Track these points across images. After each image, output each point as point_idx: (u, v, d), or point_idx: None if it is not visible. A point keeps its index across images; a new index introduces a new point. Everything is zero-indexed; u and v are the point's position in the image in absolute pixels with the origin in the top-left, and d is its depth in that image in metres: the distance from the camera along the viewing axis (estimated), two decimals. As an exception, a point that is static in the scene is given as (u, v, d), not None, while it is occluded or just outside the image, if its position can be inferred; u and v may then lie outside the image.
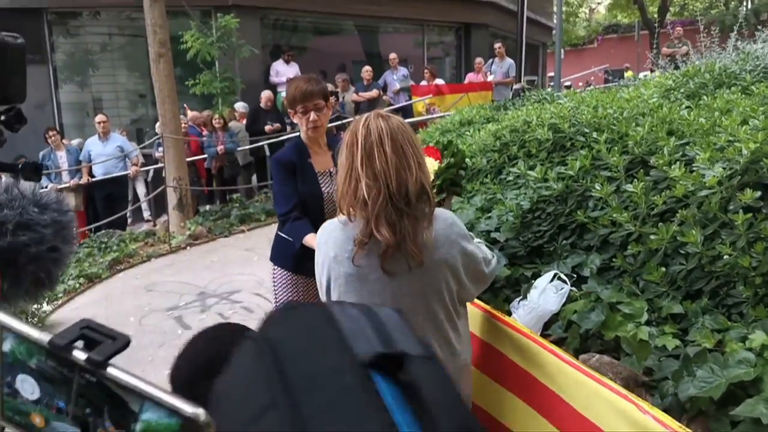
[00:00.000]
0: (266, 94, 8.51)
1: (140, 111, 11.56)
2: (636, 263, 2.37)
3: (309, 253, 2.69)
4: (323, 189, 2.70)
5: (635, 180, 2.53)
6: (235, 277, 5.26)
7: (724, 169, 2.18)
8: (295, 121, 2.73)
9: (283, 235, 2.78)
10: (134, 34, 10.74)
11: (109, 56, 11.40)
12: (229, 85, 7.34)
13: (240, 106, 8.84)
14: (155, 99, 6.63)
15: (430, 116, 9.39)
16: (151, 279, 5.39)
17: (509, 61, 10.67)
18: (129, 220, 9.11)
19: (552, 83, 12.35)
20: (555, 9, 19.41)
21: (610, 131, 2.99)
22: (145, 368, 3.67)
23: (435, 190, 2.08)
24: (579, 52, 31.90)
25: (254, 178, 9.24)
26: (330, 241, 1.56)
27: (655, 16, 22.64)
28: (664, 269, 2.17)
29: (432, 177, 2.09)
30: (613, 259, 2.43)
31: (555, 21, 18.86)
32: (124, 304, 4.81)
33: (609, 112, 3.26)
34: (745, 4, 27.06)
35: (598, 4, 33.20)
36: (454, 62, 14.82)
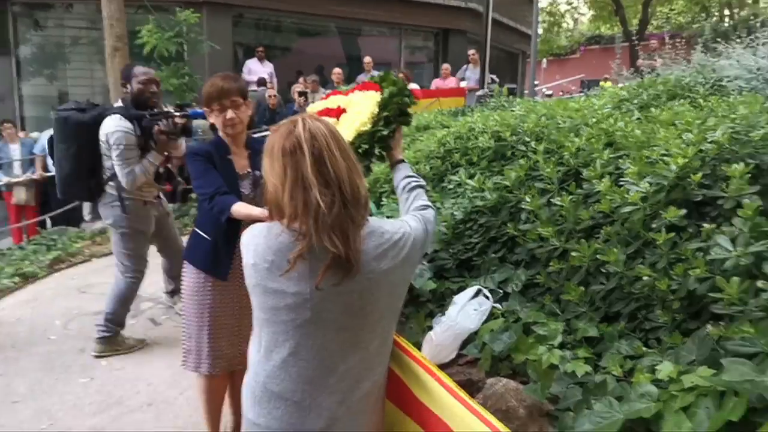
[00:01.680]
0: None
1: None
2: (559, 281, 2.23)
3: (225, 246, 2.52)
4: (243, 191, 2.52)
5: (565, 193, 2.40)
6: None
7: (650, 184, 2.05)
8: (211, 120, 2.56)
9: (197, 230, 2.61)
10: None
11: (77, 49, 11.11)
12: (188, 82, 7.12)
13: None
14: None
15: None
16: (87, 280, 5.14)
17: (478, 71, 10.60)
18: (88, 218, 8.82)
19: (531, 90, 12.30)
20: (539, 18, 19.47)
21: (549, 141, 2.86)
22: (60, 376, 3.45)
23: (382, 123, 1.90)
24: (562, 61, 32.10)
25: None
26: (251, 247, 1.40)
27: (637, 29, 22.83)
28: (583, 288, 2.03)
29: (375, 110, 1.92)
30: (538, 276, 2.29)
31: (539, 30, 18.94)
32: (53, 305, 4.56)
33: (551, 122, 3.13)
34: (726, 18, 27.44)
35: (581, 15, 33.46)
36: (431, 67, 14.72)
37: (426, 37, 14.82)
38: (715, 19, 27.70)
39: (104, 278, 5.14)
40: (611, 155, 2.46)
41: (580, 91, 18.59)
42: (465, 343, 2.26)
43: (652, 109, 3.49)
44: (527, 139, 3.06)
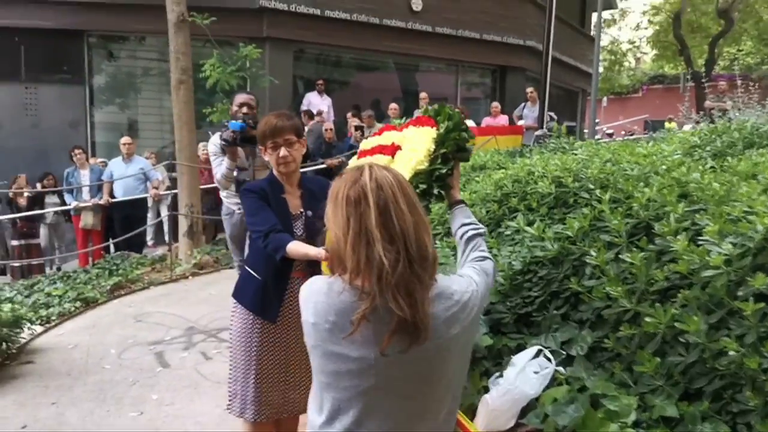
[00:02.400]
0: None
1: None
2: (630, 347, 2.05)
3: (276, 287, 2.47)
4: (296, 232, 2.49)
5: (635, 248, 2.24)
6: (229, 313, 5.04)
7: (734, 245, 1.87)
8: (266, 158, 2.55)
9: (248, 268, 2.58)
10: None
11: (148, 80, 11.63)
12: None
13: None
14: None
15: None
16: (143, 308, 5.24)
17: (532, 107, 10.45)
18: (150, 243, 9.10)
19: (586, 130, 12.02)
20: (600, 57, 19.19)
21: (615, 190, 2.70)
22: (111, 408, 3.47)
23: (440, 161, 1.80)
24: (623, 100, 31.44)
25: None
26: (311, 304, 1.30)
27: (703, 69, 22.09)
28: (659, 360, 1.86)
29: (432, 147, 1.82)
30: (606, 340, 2.12)
31: (599, 69, 18.63)
32: (110, 333, 4.65)
33: (616, 168, 2.97)
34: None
35: (644, 54, 32.75)
36: (488, 104, 14.65)
37: (483, 73, 14.80)
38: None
39: (159, 307, 5.25)
40: (686, 209, 2.28)
41: (645, 132, 18.09)
42: (524, 410, 2.11)
43: (729, 159, 3.27)
44: (591, 186, 2.90)
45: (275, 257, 2.29)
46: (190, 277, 6.24)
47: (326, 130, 9.06)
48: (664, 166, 3.02)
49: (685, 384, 1.83)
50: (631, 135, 14.74)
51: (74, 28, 10.38)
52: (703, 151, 3.57)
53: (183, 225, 6.80)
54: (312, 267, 2.57)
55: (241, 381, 2.53)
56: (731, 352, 1.68)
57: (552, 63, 15.76)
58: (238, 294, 2.58)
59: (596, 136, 11.15)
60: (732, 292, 1.82)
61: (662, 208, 2.39)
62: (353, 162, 2.36)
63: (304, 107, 10.36)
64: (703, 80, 9.77)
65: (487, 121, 10.80)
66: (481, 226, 1.69)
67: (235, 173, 4.19)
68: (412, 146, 1.89)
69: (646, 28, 26.70)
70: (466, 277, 1.40)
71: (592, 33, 19.10)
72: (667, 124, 18.72)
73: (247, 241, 4.28)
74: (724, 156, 3.42)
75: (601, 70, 21.38)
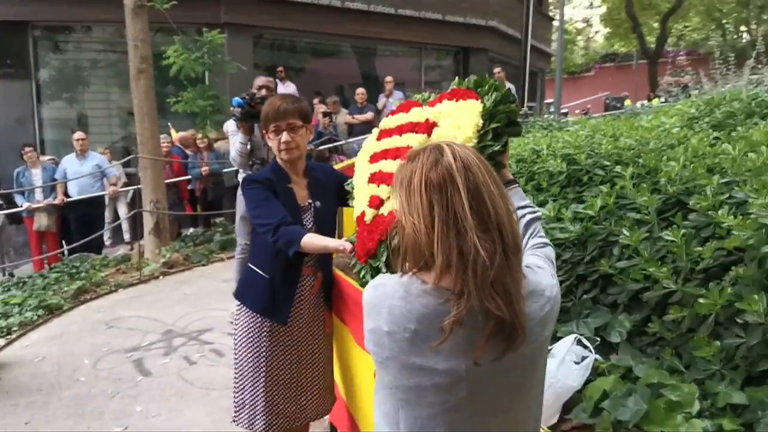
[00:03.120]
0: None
1: (130, 129, 11.16)
2: (677, 330, 1.92)
3: (285, 286, 2.25)
4: (306, 225, 2.26)
5: (672, 226, 2.10)
6: (209, 313, 4.77)
7: (791, 217, 1.76)
8: (269, 143, 2.31)
9: (253, 266, 2.33)
10: (125, 50, 10.45)
11: (98, 72, 11.02)
12: (215, 103, 6.93)
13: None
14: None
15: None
16: (114, 313, 4.88)
17: (509, 86, 10.37)
18: (108, 243, 8.62)
19: (552, 110, 12.04)
20: (554, 36, 19.33)
21: (635, 165, 2.57)
22: (92, 424, 3.17)
23: (491, 137, 1.58)
24: (576, 80, 31.90)
25: (241, 201, 8.79)
26: (385, 310, 1.10)
27: (653, 45, 22.58)
28: (718, 343, 1.73)
29: (479, 122, 1.60)
30: (649, 324, 1.99)
31: (554, 47, 18.75)
32: (80, 342, 4.29)
33: (630, 142, 2.84)
34: (744, 35, 27.17)
35: (597, 32, 33.31)
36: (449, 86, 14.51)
37: (446, 55, 14.66)
38: (729, 35, 27.46)
39: (132, 311, 4.91)
40: (721, 181, 2.16)
41: (606, 108, 18.32)
42: (566, 404, 1.96)
43: (733, 130, 3.20)
44: (606, 162, 2.77)
45: (287, 252, 2.06)
46: (161, 277, 5.89)
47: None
48: (673, 139, 2.91)
49: (746, 368, 1.71)
50: (585, 113, 14.87)
51: (18, 19, 9.71)
52: (702, 122, 3.49)
53: (149, 222, 6.42)
54: (323, 263, 2.36)
55: (249, 390, 2.30)
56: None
57: (511, 42, 15.77)
58: (243, 295, 2.34)
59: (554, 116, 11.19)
60: (792, 267, 1.71)
61: (692, 181, 2.28)
62: (370, 143, 2.14)
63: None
64: (671, 55, 9.92)
65: (453, 103, 10.66)
66: (537, 208, 1.51)
67: (248, 147, 4.20)
68: (454, 122, 1.68)
69: (599, 6, 27.12)
70: (548, 272, 1.22)
71: (550, 12, 19.23)
72: (626, 101, 19.08)
73: (239, 241, 4.14)
74: (725, 127, 3.35)
75: (554, 47, 21.58)
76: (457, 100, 1.74)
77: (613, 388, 1.80)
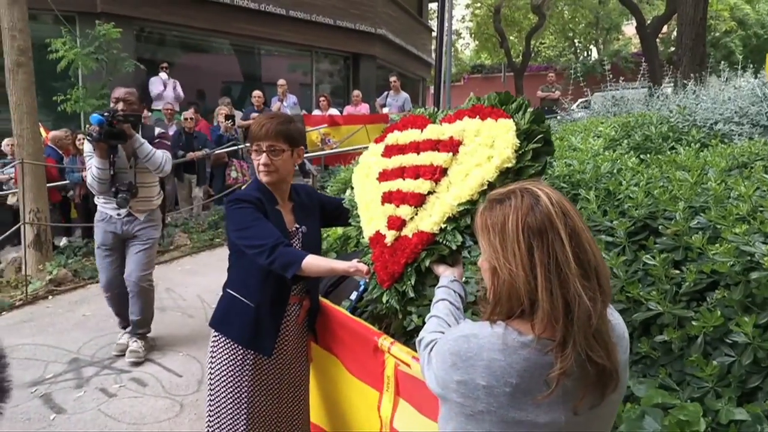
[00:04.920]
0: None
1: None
2: (663, 350, 2.06)
3: (271, 314, 2.07)
4: None
5: (642, 249, 2.26)
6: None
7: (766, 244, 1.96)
8: (253, 161, 2.15)
9: (234, 293, 2.13)
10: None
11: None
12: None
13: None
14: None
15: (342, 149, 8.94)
16: (3, 341, 4.23)
17: (404, 94, 10.62)
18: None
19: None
20: (433, 46, 20.07)
21: (595, 189, 2.73)
22: (4, 481, 2.72)
23: (529, 158, 1.56)
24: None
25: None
26: (482, 363, 1.04)
27: (519, 60, 24.32)
28: (715, 363, 1.88)
29: (516, 141, 1.56)
30: (638, 345, 2.11)
31: (434, 57, 19.50)
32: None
33: (579, 167, 3.02)
34: (591, 54, 30.18)
35: (468, 45, 35.19)
36: (340, 91, 14.52)
37: (337, 60, 14.63)
38: (579, 54, 30.43)
39: (23, 338, 4.32)
40: (685, 207, 2.36)
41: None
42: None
43: (668, 152, 3.50)
44: (563, 184, 2.91)
45: (285, 274, 1.91)
46: (49, 297, 5.21)
47: (186, 119, 8.18)
48: (608, 161, 3.13)
49: (738, 385, 1.87)
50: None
51: None
52: (624, 144, 3.80)
53: (29, 234, 5.66)
54: (310, 290, 2.23)
55: (228, 425, 2.11)
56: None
57: (397, 51, 16.13)
58: (222, 324, 2.14)
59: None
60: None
61: (655, 206, 2.46)
62: (372, 158, 2.05)
63: (152, 91, 9.26)
64: (555, 69, 10.80)
65: (348, 110, 10.68)
66: None
67: (111, 173, 3.70)
68: (485, 141, 1.64)
69: (470, 20, 28.67)
70: (614, 310, 1.25)
71: (429, 23, 19.96)
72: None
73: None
74: (646, 150, 3.68)
75: (434, 58, 22.51)
76: (483, 118, 1.71)
77: (623, 410, 1.89)
